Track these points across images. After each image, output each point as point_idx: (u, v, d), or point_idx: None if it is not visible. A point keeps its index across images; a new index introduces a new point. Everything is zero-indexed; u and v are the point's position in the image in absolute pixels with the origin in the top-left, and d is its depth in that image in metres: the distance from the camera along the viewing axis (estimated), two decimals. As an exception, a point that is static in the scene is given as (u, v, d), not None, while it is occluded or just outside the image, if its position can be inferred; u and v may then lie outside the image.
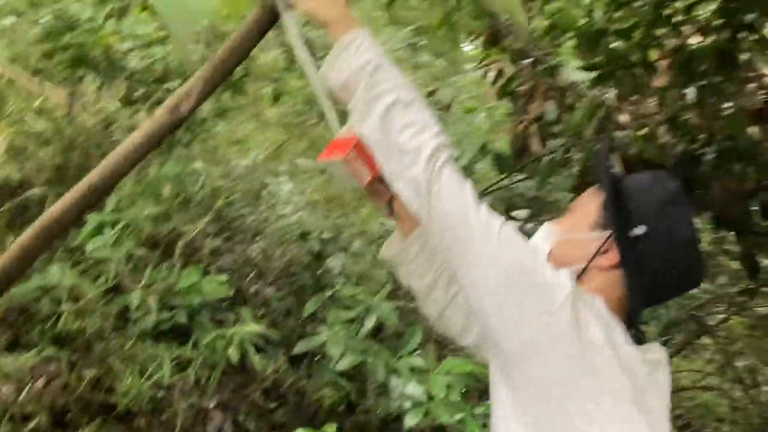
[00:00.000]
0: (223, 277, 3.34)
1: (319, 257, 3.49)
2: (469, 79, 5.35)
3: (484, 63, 3.39)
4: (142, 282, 3.07)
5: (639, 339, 1.16)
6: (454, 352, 3.81)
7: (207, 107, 4.02)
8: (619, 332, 1.13)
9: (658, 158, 3.02)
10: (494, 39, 3.20)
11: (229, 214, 3.91)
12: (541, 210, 3.71)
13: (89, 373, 2.67)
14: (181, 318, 3.14)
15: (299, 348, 3.11)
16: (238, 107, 4.24)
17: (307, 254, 3.65)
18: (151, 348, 2.88)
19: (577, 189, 3.46)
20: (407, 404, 2.26)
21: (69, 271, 2.64)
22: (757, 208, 3.18)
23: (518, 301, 1.09)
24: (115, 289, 3.02)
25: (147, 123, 1.56)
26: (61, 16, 3.32)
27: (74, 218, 1.58)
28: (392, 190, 1.36)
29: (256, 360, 2.97)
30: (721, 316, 4.77)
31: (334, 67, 1.26)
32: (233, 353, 2.59)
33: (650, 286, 1.18)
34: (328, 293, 3.55)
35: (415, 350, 2.82)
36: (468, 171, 2.76)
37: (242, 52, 1.60)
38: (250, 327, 2.69)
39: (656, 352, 1.19)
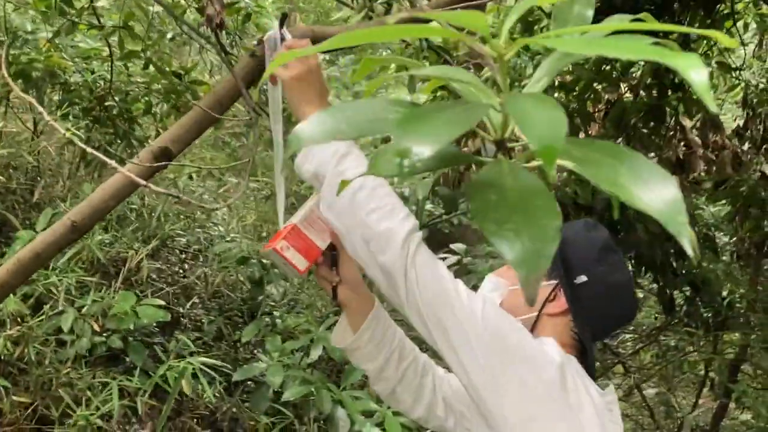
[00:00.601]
0: (160, 302, 3.31)
1: (259, 283, 3.49)
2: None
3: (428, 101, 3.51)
4: (76, 304, 3.00)
5: (592, 375, 1.25)
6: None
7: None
8: (594, 387, 1.20)
9: (590, 202, 3.21)
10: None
11: (167, 235, 3.86)
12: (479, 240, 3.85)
13: (25, 400, 2.58)
14: (115, 343, 3.09)
15: (238, 375, 3.11)
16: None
17: (246, 280, 3.64)
18: (88, 374, 2.81)
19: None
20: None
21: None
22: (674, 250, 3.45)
23: (510, 378, 1.10)
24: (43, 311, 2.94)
25: (131, 166, 1.57)
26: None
27: (53, 254, 1.56)
28: (336, 278, 1.42)
29: (188, 388, 2.93)
30: (634, 346, 5.07)
31: (307, 158, 1.27)
32: (186, 385, 2.56)
33: (595, 326, 1.28)
34: (267, 320, 3.57)
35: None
36: (420, 210, 2.85)
37: (227, 102, 1.64)
38: (200, 358, 2.67)
39: (610, 393, 1.26)
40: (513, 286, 1.32)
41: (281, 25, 1.69)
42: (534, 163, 0.42)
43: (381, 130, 0.43)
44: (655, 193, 0.35)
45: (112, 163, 1.27)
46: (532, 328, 1.26)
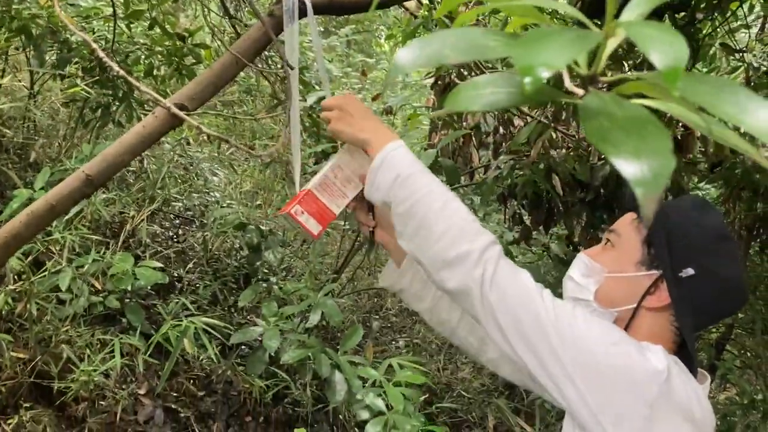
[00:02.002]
0: (158, 264, 3.32)
1: (257, 249, 3.51)
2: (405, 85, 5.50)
3: (431, 74, 3.51)
4: (75, 263, 3.00)
5: (694, 370, 1.15)
6: (392, 353, 3.94)
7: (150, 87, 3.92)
8: (700, 389, 1.10)
9: (588, 178, 3.24)
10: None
11: (164, 199, 3.85)
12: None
13: (23, 356, 2.59)
14: (112, 303, 3.10)
15: (235, 339, 3.13)
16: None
17: (243, 246, 3.65)
18: (87, 333, 2.83)
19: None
20: (365, 414, 2.35)
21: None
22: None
23: (611, 402, 1.02)
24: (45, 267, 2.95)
25: (149, 119, 1.57)
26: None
27: (68, 207, 1.57)
28: (373, 222, 1.44)
29: (191, 347, 2.96)
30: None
31: (373, 188, 1.25)
32: (188, 344, 2.59)
33: (699, 321, 1.17)
34: (264, 285, 3.59)
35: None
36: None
37: (243, 62, 1.64)
38: (203, 318, 2.69)
39: (707, 379, 1.18)
40: (611, 273, 1.21)
41: (299, -13, 1.69)
42: (636, 100, 0.44)
43: (483, 55, 0.44)
44: (758, 116, 0.37)
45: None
46: (629, 321, 1.18)
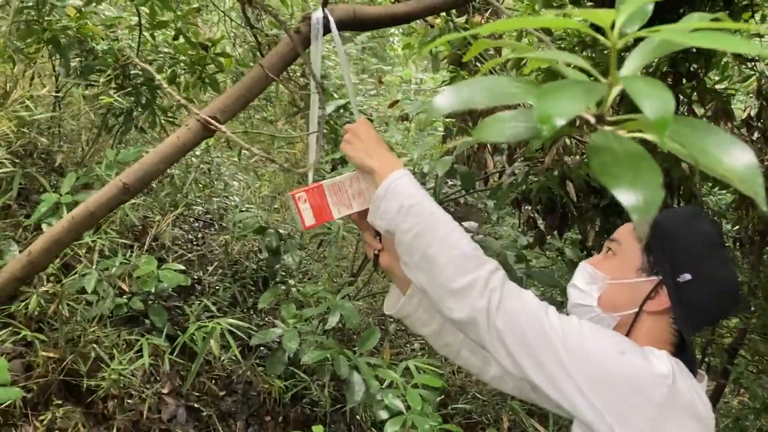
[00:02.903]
0: (180, 267, 3.41)
1: (276, 252, 3.59)
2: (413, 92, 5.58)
3: (446, 83, 3.58)
4: (101, 266, 3.10)
5: (694, 370, 1.21)
6: (408, 355, 4.02)
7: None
8: (699, 387, 1.17)
9: (601, 184, 3.30)
10: (460, 62, 3.40)
11: (187, 203, 3.95)
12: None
13: (54, 355, 2.69)
14: (136, 304, 3.20)
15: (256, 340, 3.22)
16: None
17: (262, 249, 3.74)
18: (113, 333, 2.92)
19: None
20: (384, 414, 2.42)
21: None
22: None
23: (619, 407, 1.07)
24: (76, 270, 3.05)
25: (183, 131, 1.66)
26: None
27: (105, 213, 1.66)
28: (379, 245, 1.47)
29: (216, 347, 3.05)
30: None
31: (377, 215, 1.30)
32: (214, 345, 2.68)
33: (697, 323, 1.24)
34: (283, 288, 3.68)
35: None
36: (438, 188, 2.95)
37: (273, 74, 1.73)
38: (229, 319, 2.78)
39: (705, 378, 1.24)
40: (613, 280, 1.27)
41: (324, 5, 1.78)
42: (632, 134, 0.52)
43: (508, 100, 0.52)
44: (736, 158, 0.45)
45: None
46: (632, 325, 1.24)
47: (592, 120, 0.53)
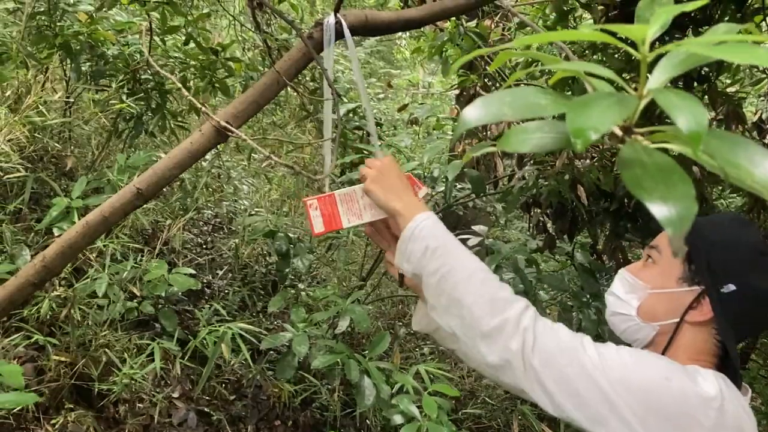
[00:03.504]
0: (191, 271, 3.42)
1: (286, 256, 3.60)
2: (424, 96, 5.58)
3: (456, 87, 3.59)
4: (112, 269, 3.11)
5: (737, 381, 1.16)
6: (417, 359, 4.01)
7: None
8: (744, 401, 1.13)
9: (612, 188, 3.29)
10: (470, 65, 3.40)
11: (196, 207, 3.96)
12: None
13: (65, 359, 2.70)
14: (147, 308, 3.21)
15: (266, 344, 3.22)
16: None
17: (271, 252, 3.75)
18: (124, 337, 2.93)
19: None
20: (399, 419, 2.43)
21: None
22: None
23: (667, 429, 1.03)
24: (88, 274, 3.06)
25: (196, 136, 1.66)
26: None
27: (119, 218, 1.66)
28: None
29: (227, 351, 3.05)
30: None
31: (404, 258, 1.29)
32: (225, 350, 2.68)
33: (741, 333, 1.19)
34: (292, 292, 3.68)
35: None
36: (449, 192, 2.95)
37: (284, 81, 1.73)
38: (240, 324, 2.78)
39: (749, 392, 1.19)
40: (653, 290, 1.24)
41: (336, 10, 1.78)
42: (660, 145, 0.52)
43: (537, 113, 0.52)
44: (765, 169, 0.44)
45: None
46: (672, 335, 1.20)
47: (619, 132, 0.53)
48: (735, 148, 0.46)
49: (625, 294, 1.26)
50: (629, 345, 1.22)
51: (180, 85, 1.30)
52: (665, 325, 1.21)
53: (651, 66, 0.58)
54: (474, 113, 0.54)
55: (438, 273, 1.20)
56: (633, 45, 0.52)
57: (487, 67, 3.25)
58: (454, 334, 1.19)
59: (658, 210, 0.45)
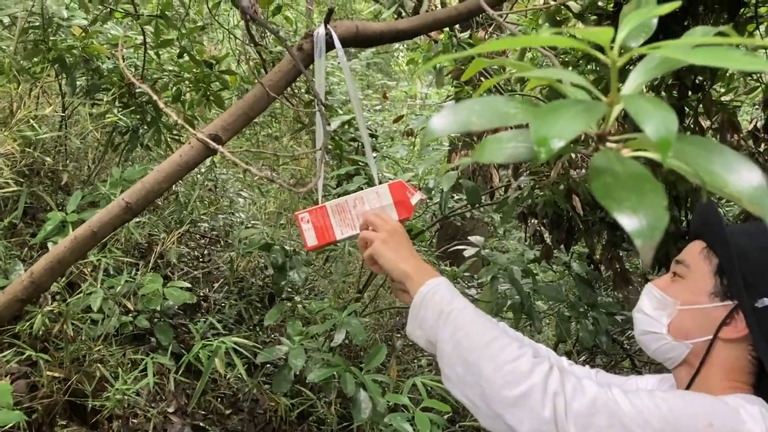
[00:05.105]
0: (186, 284, 3.40)
1: (282, 269, 3.58)
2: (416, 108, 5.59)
3: (451, 98, 3.58)
4: (106, 284, 3.09)
5: None
6: (415, 371, 3.99)
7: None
8: None
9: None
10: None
11: (192, 220, 3.95)
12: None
13: (59, 375, 2.68)
14: (142, 323, 3.19)
15: (262, 357, 3.20)
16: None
17: (267, 265, 3.73)
18: (118, 352, 2.91)
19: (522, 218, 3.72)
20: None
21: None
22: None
23: None
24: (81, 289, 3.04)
25: (185, 149, 1.65)
26: (34, 12, 3.30)
27: (108, 233, 1.65)
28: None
29: (221, 366, 3.03)
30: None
31: (416, 325, 1.23)
32: (219, 364, 2.66)
33: None
34: (288, 305, 3.67)
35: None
36: (444, 202, 2.94)
37: (274, 93, 1.72)
38: (234, 338, 2.76)
39: None
40: (684, 306, 1.17)
41: (326, 22, 1.77)
42: (636, 153, 0.50)
43: (505, 121, 0.51)
44: (743, 179, 0.43)
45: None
46: (706, 353, 1.14)
47: (594, 139, 0.52)
48: (710, 155, 0.45)
49: (654, 311, 1.21)
50: (660, 364, 1.18)
51: (160, 103, 1.29)
52: (698, 342, 1.15)
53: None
54: (441, 122, 0.53)
55: (453, 338, 1.14)
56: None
57: (482, 79, 3.24)
58: (474, 406, 1.11)
59: (628, 221, 0.43)
